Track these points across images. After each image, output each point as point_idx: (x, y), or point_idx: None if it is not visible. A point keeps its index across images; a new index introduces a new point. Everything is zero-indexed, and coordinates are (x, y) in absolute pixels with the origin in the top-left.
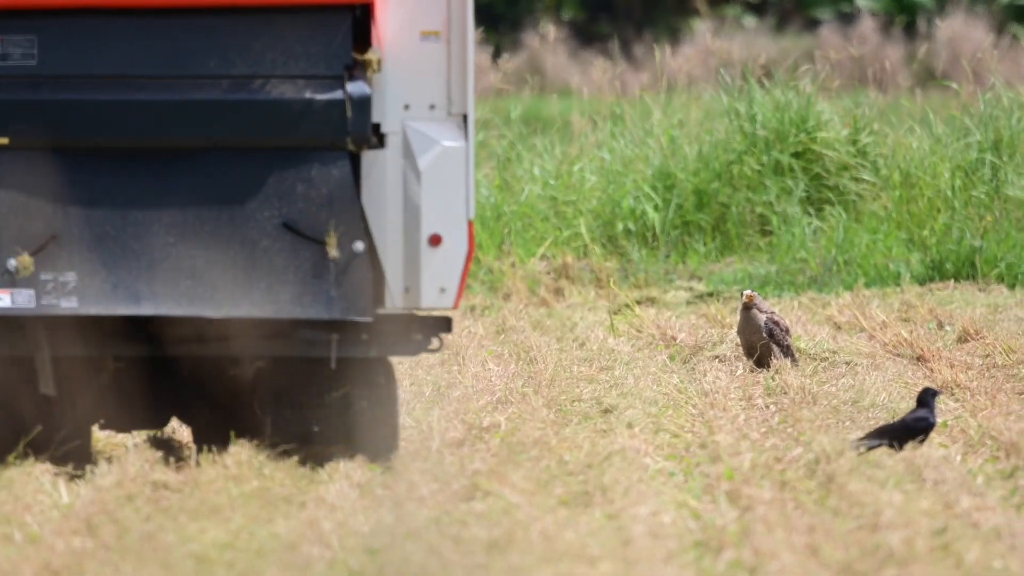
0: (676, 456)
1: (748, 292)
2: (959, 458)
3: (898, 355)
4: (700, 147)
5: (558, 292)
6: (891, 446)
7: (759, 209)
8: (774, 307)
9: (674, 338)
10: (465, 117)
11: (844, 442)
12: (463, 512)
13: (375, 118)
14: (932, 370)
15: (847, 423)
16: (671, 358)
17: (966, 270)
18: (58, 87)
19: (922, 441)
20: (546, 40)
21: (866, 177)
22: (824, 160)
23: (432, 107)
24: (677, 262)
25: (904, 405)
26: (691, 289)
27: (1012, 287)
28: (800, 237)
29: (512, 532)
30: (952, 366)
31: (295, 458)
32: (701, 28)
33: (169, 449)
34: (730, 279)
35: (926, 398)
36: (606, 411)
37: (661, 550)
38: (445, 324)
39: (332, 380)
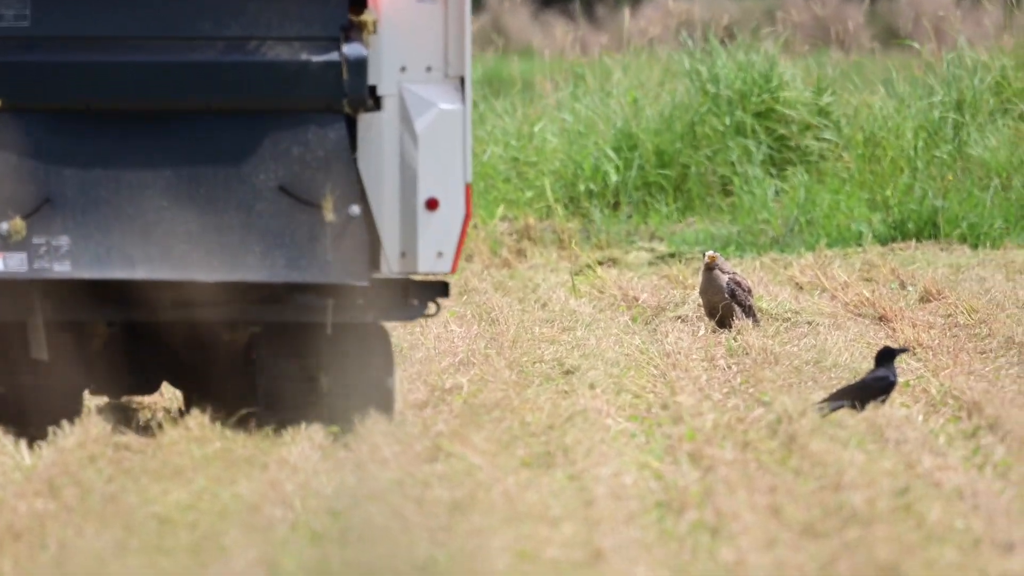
0: (638, 417)
1: (710, 253)
2: (921, 418)
3: (860, 315)
4: (662, 108)
5: (520, 253)
6: (853, 407)
7: (721, 170)
8: (736, 268)
9: (636, 299)
10: (462, 79)
11: (806, 402)
12: (425, 473)
13: (371, 80)
14: (894, 330)
15: (809, 383)
16: (633, 319)
17: (928, 230)
18: (51, 49)
19: (883, 401)
20: (508, 1)
21: (828, 137)
22: (786, 120)
23: (429, 69)
24: (639, 223)
25: (866, 365)
26: (653, 250)
27: (974, 247)
28: (762, 198)
29: (474, 493)
30: (914, 326)
31: (257, 420)
32: None
33: (132, 411)
34: (692, 240)
35: (886, 357)
36: (568, 372)
37: (623, 511)
38: (442, 289)
39: (327, 346)
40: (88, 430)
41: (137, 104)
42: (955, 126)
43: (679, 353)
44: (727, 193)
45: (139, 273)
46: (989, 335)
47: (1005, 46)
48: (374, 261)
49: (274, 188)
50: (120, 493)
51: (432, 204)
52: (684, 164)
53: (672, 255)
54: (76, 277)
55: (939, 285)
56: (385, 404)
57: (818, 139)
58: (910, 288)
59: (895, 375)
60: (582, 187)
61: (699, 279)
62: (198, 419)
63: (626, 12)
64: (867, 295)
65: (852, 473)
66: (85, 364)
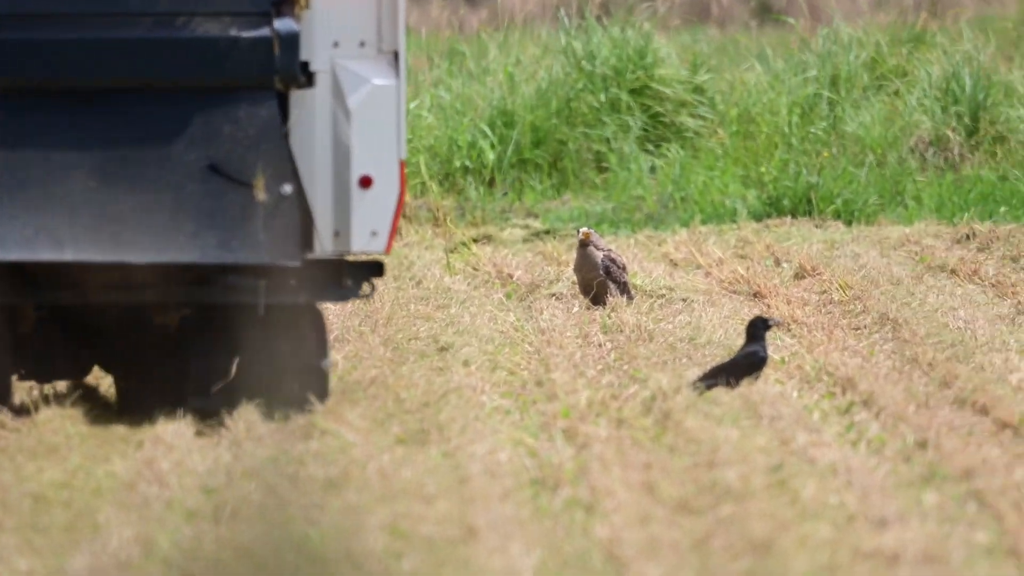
0: (512, 394)
1: (584, 229)
2: (795, 394)
3: (735, 292)
4: (538, 84)
5: (395, 230)
6: (727, 384)
7: (596, 146)
8: (611, 244)
9: (511, 276)
10: (396, 54)
11: (681, 379)
12: (300, 451)
13: (303, 56)
14: (769, 306)
15: (683, 360)
16: (507, 296)
17: (803, 206)
18: None
19: (756, 376)
20: None
21: (704, 114)
22: (661, 97)
23: (362, 44)
24: (514, 200)
25: (741, 342)
26: (528, 227)
27: (848, 223)
28: (637, 174)
29: (349, 471)
30: (789, 302)
31: (135, 398)
32: None
33: (7, 388)
34: (567, 217)
35: (756, 330)
36: (443, 349)
37: (498, 488)
38: (377, 269)
39: (260, 327)
40: None
41: (63, 82)
42: (830, 102)
43: (553, 330)
44: (602, 170)
45: (67, 255)
46: (863, 311)
47: (880, 22)
48: (307, 241)
49: (205, 167)
50: None
51: (366, 182)
52: (560, 141)
53: (547, 232)
54: (2, 259)
55: (814, 262)
56: (319, 385)
57: (693, 116)
58: (785, 265)
59: (765, 349)
60: (457, 164)
61: (574, 256)
62: (73, 397)
63: None
64: (742, 272)
65: (726, 450)
66: (12, 349)
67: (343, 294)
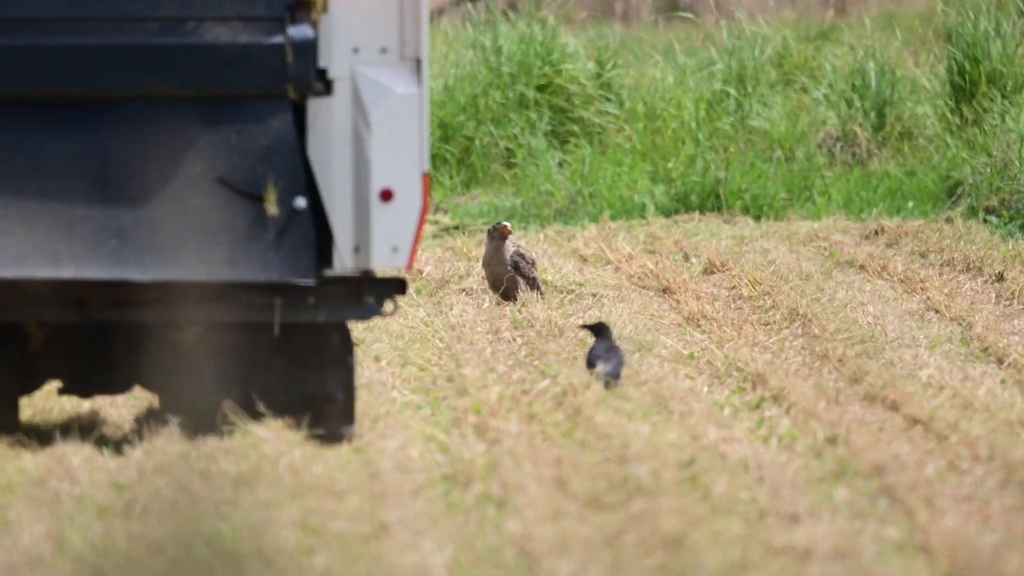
0: (423, 390)
1: (505, 224)
2: (706, 389)
3: (644, 287)
4: (445, 80)
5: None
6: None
7: (504, 142)
8: (520, 240)
9: (420, 272)
10: (419, 61)
11: (590, 375)
12: (211, 447)
13: (321, 63)
14: (678, 301)
15: None
16: (418, 292)
17: (711, 202)
18: None
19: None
20: None
21: (610, 110)
22: (568, 93)
23: (383, 51)
24: None
25: (650, 337)
26: (437, 222)
27: (757, 218)
28: (545, 170)
29: (260, 467)
30: (698, 297)
31: (48, 393)
32: None
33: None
34: (476, 212)
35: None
36: (353, 345)
37: (409, 484)
38: (399, 286)
39: (279, 347)
40: None
41: (63, 91)
42: (736, 98)
43: (464, 326)
44: (510, 165)
45: (66, 272)
46: (773, 307)
47: (786, 18)
48: (325, 257)
49: (212, 180)
50: None
51: (386, 195)
52: (467, 136)
53: (456, 227)
54: None
55: (723, 257)
56: (346, 403)
57: (600, 112)
58: (694, 260)
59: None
60: None
61: (483, 251)
62: None
63: None
64: (651, 267)
65: (637, 445)
66: (20, 366)
67: (364, 312)
